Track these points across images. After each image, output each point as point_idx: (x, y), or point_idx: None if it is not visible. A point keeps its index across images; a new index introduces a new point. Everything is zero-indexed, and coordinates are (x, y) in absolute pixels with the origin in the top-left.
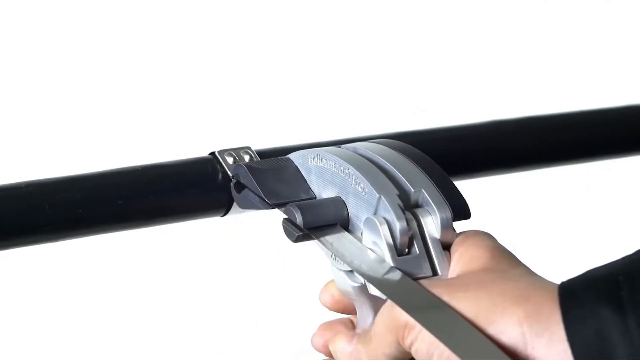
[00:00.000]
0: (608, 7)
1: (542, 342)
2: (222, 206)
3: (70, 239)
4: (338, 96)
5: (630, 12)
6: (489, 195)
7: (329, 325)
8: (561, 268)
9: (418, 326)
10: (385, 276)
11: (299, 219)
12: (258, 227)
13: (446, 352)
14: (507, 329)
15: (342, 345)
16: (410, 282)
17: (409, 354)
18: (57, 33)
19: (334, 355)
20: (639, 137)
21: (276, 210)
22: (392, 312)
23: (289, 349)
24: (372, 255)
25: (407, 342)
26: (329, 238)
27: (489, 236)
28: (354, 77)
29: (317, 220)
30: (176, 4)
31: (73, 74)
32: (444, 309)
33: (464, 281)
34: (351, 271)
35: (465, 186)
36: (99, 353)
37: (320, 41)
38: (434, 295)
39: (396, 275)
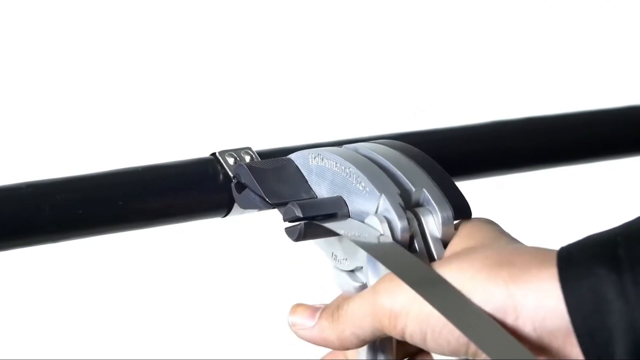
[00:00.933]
0: (608, 7)
1: (530, 302)
2: (223, 207)
3: (71, 239)
4: (338, 96)
5: (630, 13)
6: (489, 197)
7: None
8: None
9: (404, 312)
10: (387, 250)
11: (300, 225)
12: (259, 228)
13: (436, 331)
14: (494, 292)
15: (303, 320)
16: (411, 256)
17: (379, 336)
18: (58, 34)
19: (292, 327)
20: None
21: (277, 211)
22: (377, 299)
23: (290, 350)
24: (375, 232)
25: (398, 329)
26: (331, 224)
27: (480, 222)
28: (354, 78)
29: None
30: (177, 6)
31: (74, 75)
32: (444, 285)
33: (445, 260)
34: (352, 271)
35: (465, 187)
36: (100, 354)
37: (320, 42)
38: (435, 272)
39: (398, 249)
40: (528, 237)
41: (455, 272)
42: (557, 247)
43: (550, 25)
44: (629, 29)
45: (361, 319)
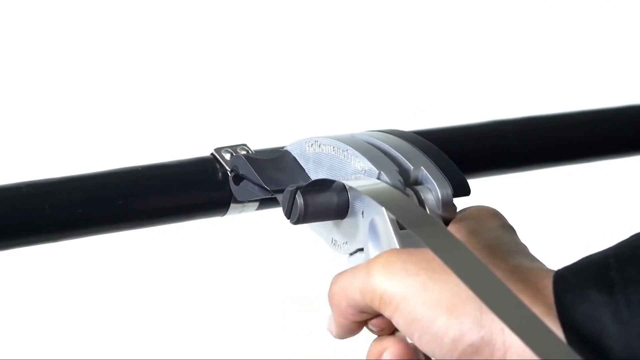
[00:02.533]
0: (608, 7)
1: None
2: (222, 206)
3: (70, 239)
4: (338, 96)
5: (630, 12)
6: (487, 196)
7: None
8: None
9: (394, 303)
10: (384, 191)
11: (299, 201)
12: (258, 226)
13: (424, 339)
14: (485, 324)
15: (327, 320)
16: (409, 199)
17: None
18: (55, 33)
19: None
20: (639, 137)
21: (274, 210)
22: (369, 279)
23: (290, 349)
24: (373, 180)
25: (386, 314)
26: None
27: (482, 212)
28: (354, 77)
29: (317, 203)
30: (173, 7)
31: (71, 75)
32: (442, 229)
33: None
34: (353, 253)
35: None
36: (99, 353)
37: (319, 41)
38: (434, 218)
39: (395, 192)
40: (527, 239)
41: (450, 285)
42: (551, 249)
43: (550, 25)
44: (629, 29)
45: (352, 292)
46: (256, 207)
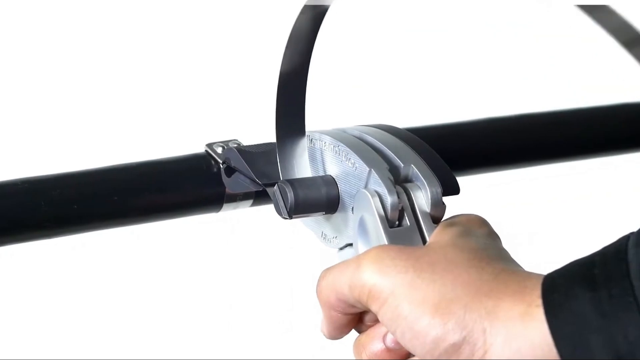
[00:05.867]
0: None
1: (499, 341)
2: (217, 202)
3: (66, 235)
4: (336, 96)
5: (628, 12)
6: (484, 194)
7: None
8: (553, 266)
9: (382, 297)
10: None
11: (290, 195)
12: (253, 223)
13: (406, 337)
14: (468, 324)
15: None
16: None
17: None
18: (48, 32)
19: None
20: (634, 135)
21: (267, 207)
22: (358, 273)
23: (288, 349)
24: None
25: (372, 309)
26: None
27: (470, 219)
28: (353, 77)
29: (308, 197)
30: (163, 5)
31: (66, 74)
32: None
33: (432, 258)
34: (343, 248)
35: (461, 184)
36: (96, 352)
37: (317, 39)
38: None
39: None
40: (524, 237)
41: (437, 285)
42: (545, 248)
43: (547, 24)
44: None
45: (341, 286)
46: (250, 204)
